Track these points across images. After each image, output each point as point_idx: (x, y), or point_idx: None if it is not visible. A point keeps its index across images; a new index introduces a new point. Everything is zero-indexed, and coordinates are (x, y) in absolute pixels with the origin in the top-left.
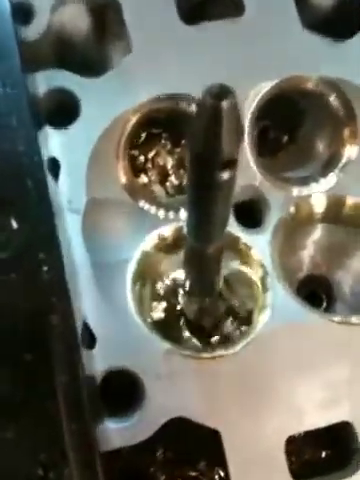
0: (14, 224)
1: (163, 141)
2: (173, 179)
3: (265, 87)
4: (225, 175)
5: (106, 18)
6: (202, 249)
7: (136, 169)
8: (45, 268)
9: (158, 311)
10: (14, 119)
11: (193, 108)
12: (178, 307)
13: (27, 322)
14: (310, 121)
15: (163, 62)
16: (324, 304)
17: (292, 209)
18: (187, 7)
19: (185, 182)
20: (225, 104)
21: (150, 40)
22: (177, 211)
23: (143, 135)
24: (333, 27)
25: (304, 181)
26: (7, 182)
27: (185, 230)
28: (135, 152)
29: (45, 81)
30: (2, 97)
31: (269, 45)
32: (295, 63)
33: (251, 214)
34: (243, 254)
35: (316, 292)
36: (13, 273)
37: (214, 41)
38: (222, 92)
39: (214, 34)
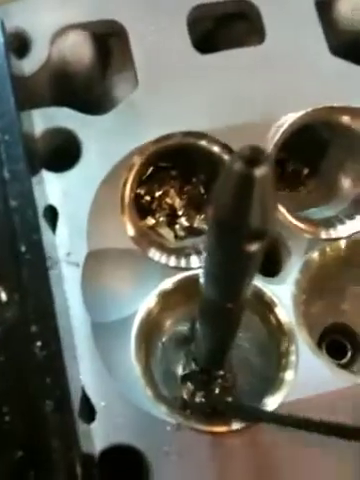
0: (3, 297)
1: (172, 178)
2: (183, 220)
3: (289, 120)
4: (252, 247)
5: (111, 47)
6: (221, 305)
7: (142, 210)
8: (38, 343)
9: (167, 377)
10: (6, 171)
11: (209, 146)
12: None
13: (17, 411)
14: (334, 153)
15: (175, 96)
16: (349, 354)
17: (316, 254)
18: (199, 33)
19: (197, 224)
20: (259, 172)
21: (160, 71)
22: (188, 257)
23: (150, 169)
24: None
25: (329, 223)
26: None
27: (201, 280)
28: (141, 190)
29: (43, 119)
30: None
31: (294, 74)
32: (323, 93)
33: (269, 261)
34: (264, 312)
35: (340, 341)
36: (2, 354)
37: (233, 71)
38: (255, 157)
39: (233, 63)
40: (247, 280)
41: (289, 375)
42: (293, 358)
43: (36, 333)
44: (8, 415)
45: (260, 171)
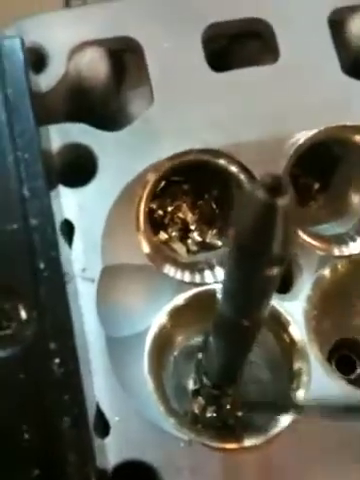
0: (23, 314)
1: (184, 192)
2: (195, 235)
3: (302, 137)
4: (272, 271)
5: (126, 63)
6: (238, 322)
7: (155, 225)
8: (57, 360)
9: (178, 392)
10: (26, 188)
11: (223, 163)
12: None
13: (35, 428)
14: (345, 170)
15: (189, 113)
16: (358, 369)
17: (328, 270)
18: (214, 51)
19: (209, 239)
20: (282, 202)
21: (175, 88)
22: (201, 272)
23: (162, 183)
24: None
25: (340, 239)
26: (15, 266)
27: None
28: (153, 205)
29: (59, 135)
30: (13, 163)
31: (307, 92)
32: (336, 111)
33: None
34: (278, 329)
35: (349, 356)
36: (21, 371)
37: (247, 89)
38: (278, 186)
39: (247, 81)
40: (265, 301)
41: (301, 393)
42: (305, 376)
43: (55, 350)
44: (27, 432)
45: (283, 201)
